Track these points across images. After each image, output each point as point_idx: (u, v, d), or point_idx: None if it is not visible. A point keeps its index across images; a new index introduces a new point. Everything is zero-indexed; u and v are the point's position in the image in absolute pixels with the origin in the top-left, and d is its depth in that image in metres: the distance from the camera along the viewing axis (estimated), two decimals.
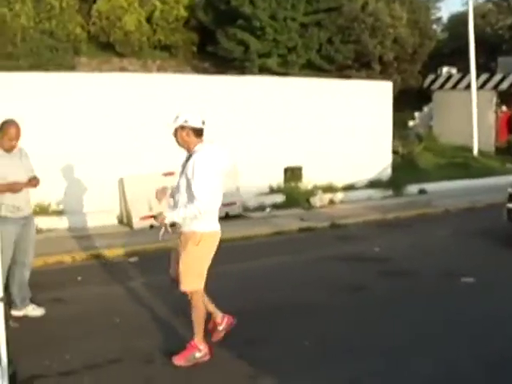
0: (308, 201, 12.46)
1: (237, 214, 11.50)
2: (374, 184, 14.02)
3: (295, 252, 9.21)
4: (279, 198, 12.50)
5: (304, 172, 13.24)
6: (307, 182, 13.06)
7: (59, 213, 10.34)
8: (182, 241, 5.32)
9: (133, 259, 8.87)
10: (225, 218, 11.34)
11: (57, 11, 12.80)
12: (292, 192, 12.66)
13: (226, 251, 9.46)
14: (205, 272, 5.32)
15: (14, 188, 5.95)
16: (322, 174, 13.06)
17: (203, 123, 5.26)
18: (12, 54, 11.86)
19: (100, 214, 10.62)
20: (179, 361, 5.24)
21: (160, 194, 5.42)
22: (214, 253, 5.40)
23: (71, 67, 12.45)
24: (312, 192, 12.74)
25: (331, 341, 5.83)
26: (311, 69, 17.36)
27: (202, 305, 5.33)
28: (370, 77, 17.13)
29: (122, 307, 6.65)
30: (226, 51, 16.28)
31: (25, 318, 6.25)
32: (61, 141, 10.13)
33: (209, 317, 5.56)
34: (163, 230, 5.22)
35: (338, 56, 17.89)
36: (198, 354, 5.27)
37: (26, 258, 6.27)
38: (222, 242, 5.42)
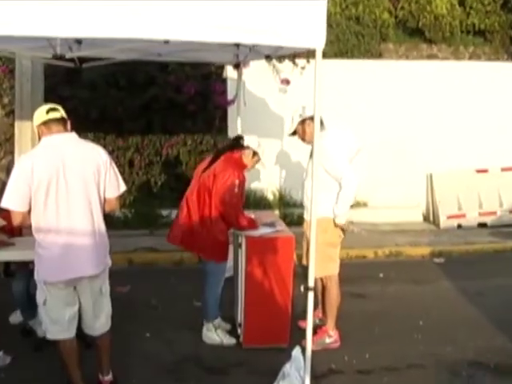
0: None
1: None
2: None
3: None
4: None
5: None
6: None
7: (363, 205, 10.34)
8: (306, 228, 5.15)
9: (438, 260, 8.50)
10: None
11: None
12: None
13: None
14: (336, 257, 5.30)
15: None
16: None
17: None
18: None
19: (405, 210, 10.41)
20: None
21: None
22: (343, 236, 5.33)
23: (378, 54, 12.26)
24: None
25: None
26: None
27: (336, 291, 5.33)
28: None
29: (425, 309, 6.30)
30: None
31: None
32: (367, 132, 10.08)
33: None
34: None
35: None
36: (328, 340, 5.31)
37: None
38: None
